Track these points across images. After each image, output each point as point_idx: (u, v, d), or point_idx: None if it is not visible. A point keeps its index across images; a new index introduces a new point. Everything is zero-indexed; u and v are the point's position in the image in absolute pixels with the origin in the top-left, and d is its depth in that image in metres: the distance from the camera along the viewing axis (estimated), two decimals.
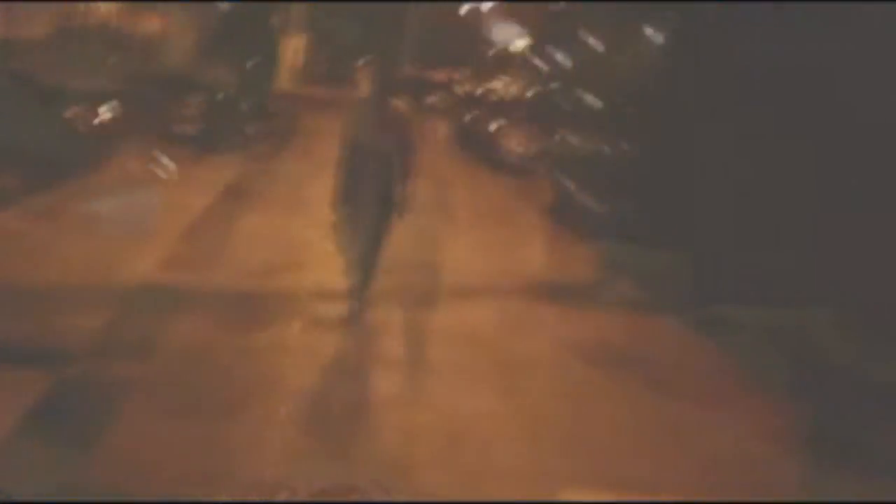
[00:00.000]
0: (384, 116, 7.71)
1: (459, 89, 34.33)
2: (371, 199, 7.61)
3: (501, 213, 14.55)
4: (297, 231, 10.91)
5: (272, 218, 11.66)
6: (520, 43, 58.24)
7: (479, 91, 32.05)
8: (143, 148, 13.91)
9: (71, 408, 5.73)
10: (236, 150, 16.46)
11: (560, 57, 51.27)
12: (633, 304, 9.44)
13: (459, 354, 7.42)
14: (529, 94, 34.41)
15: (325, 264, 8.57)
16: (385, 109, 7.75)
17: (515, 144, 19.95)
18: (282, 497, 4.73)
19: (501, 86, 39.39)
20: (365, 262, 7.76)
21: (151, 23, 29.19)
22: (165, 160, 13.72)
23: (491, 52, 61.69)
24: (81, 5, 25.01)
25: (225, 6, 21.94)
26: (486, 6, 57.60)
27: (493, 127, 20.96)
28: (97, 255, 8.97)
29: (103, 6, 26.42)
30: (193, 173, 13.87)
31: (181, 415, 5.73)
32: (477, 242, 11.87)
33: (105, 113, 13.61)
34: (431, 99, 36.75)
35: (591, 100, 15.98)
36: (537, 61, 53.42)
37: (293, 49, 37.05)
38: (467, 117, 24.55)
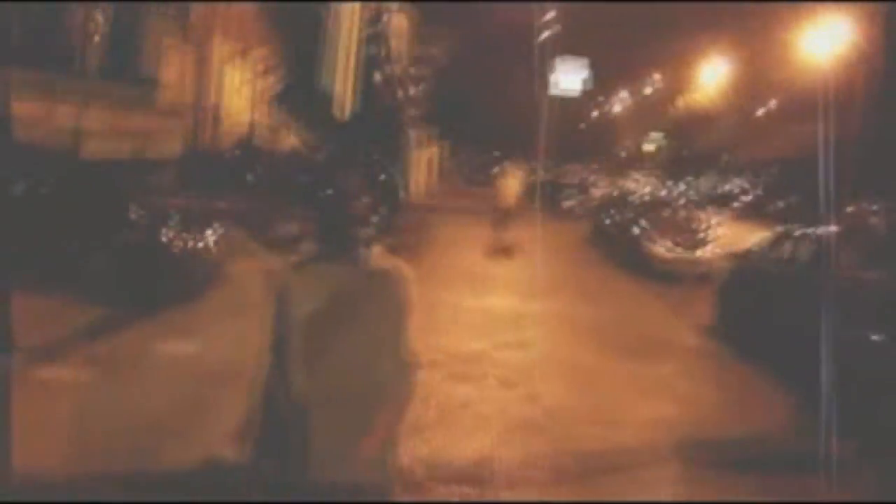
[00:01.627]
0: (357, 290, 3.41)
1: (595, 191, 31.89)
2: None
3: (656, 337, 11.68)
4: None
5: None
6: (651, 143, 56.00)
7: (615, 192, 29.51)
8: (251, 273, 11.81)
9: None
10: None
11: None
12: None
13: None
14: (667, 193, 31.88)
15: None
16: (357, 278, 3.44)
17: (663, 250, 17.22)
18: None
19: (637, 185, 36.90)
20: None
21: (288, 140, 27.91)
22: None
23: (623, 153, 59.40)
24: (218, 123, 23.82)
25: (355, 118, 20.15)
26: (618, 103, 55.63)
27: (635, 231, 18.26)
28: (159, 412, 6.71)
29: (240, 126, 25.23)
30: None
31: None
32: (630, 379, 9.21)
33: (210, 235, 11.44)
34: (568, 201, 34.18)
35: None
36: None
37: (426, 159, 35.54)
38: (606, 220, 21.83)
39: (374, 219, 3.48)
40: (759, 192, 39.27)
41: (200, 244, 11.12)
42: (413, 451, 6.28)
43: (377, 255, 3.50)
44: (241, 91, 25.38)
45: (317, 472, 3.35)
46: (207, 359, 8.33)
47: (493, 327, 11.39)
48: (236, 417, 3.62)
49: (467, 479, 6.10)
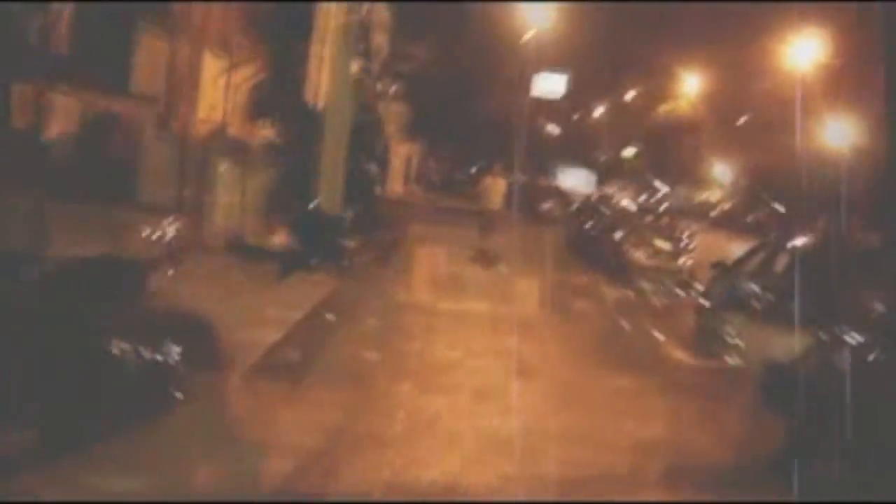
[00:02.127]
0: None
1: (573, 196, 31.19)
2: None
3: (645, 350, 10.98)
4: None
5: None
6: (630, 150, 55.53)
7: (594, 197, 28.85)
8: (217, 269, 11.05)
9: None
10: (331, 268, 13.47)
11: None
12: None
13: None
14: (645, 200, 31.34)
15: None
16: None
17: (644, 256, 16.56)
18: None
19: (615, 191, 36.27)
20: None
21: (267, 132, 27.03)
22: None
23: (602, 159, 59.02)
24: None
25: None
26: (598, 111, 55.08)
27: (617, 236, 17.56)
28: None
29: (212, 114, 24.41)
30: (273, 297, 10.89)
31: None
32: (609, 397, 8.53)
33: (169, 226, 10.57)
34: (546, 205, 33.46)
35: None
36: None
37: (405, 155, 34.90)
38: (588, 224, 21.12)
39: None
40: (736, 202, 38.86)
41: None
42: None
43: None
44: (216, 81, 24.50)
45: None
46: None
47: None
48: None
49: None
